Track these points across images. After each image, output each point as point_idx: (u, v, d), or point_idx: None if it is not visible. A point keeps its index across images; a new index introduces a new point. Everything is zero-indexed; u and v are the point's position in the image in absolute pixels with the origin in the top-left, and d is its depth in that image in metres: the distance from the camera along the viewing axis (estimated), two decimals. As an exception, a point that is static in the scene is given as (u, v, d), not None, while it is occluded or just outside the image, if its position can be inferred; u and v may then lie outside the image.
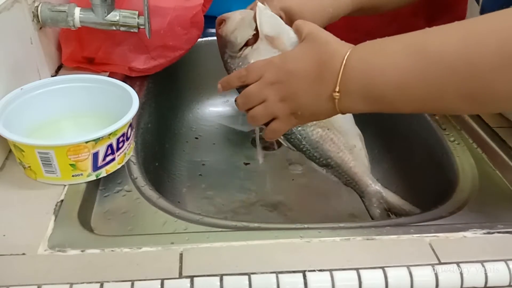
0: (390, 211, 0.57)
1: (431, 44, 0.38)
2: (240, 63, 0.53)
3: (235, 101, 0.51)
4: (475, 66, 0.36)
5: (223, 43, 0.55)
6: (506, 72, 0.35)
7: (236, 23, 0.54)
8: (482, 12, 0.57)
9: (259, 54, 0.51)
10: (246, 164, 0.78)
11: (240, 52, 0.54)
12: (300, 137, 0.55)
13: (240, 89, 0.51)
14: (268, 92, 0.46)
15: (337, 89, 0.42)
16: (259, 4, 0.54)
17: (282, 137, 0.55)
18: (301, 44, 0.46)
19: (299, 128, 0.54)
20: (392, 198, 0.56)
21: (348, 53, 0.42)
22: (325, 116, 0.47)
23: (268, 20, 0.53)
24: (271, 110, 0.47)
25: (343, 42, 0.45)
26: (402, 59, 0.39)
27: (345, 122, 0.56)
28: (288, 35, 0.51)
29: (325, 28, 0.83)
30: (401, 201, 0.56)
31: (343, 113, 0.45)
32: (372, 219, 0.58)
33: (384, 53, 0.40)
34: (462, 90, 0.37)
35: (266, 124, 0.49)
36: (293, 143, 0.56)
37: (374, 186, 0.57)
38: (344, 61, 0.41)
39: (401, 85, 0.39)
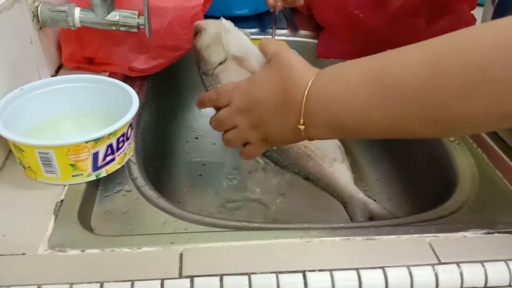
0: (373, 220, 0.56)
1: (391, 70, 0.36)
2: (213, 82, 0.54)
3: (210, 122, 0.52)
4: (437, 93, 0.34)
5: (198, 57, 0.56)
6: (470, 98, 0.33)
7: (210, 39, 0.54)
8: (495, 12, 0.56)
9: (229, 74, 0.52)
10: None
11: (212, 71, 0.54)
12: (276, 155, 0.55)
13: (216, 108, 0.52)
14: (238, 119, 0.47)
15: (301, 122, 0.42)
16: (223, 22, 0.53)
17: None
18: (266, 68, 0.46)
19: (275, 148, 0.55)
20: (375, 207, 0.55)
21: (309, 84, 0.41)
22: (295, 142, 0.48)
23: (234, 40, 0.52)
24: (243, 136, 0.48)
25: (306, 66, 0.44)
26: (361, 89, 0.38)
27: None
28: (255, 55, 0.51)
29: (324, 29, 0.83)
30: (383, 210, 0.56)
31: (311, 140, 0.45)
32: None
33: (344, 82, 0.39)
34: (427, 118, 0.35)
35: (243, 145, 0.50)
36: (271, 159, 0.56)
37: (357, 196, 0.56)
38: (306, 94, 0.41)
39: (363, 115, 0.38)
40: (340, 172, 0.56)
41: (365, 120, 0.38)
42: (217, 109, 0.51)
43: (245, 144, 0.49)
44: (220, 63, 0.52)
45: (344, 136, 0.43)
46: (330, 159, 0.56)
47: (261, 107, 0.45)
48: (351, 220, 0.57)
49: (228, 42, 0.52)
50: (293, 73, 0.43)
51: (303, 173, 0.57)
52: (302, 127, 0.42)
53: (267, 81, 0.45)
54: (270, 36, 0.71)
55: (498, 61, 0.31)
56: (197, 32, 0.56)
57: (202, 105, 0.53)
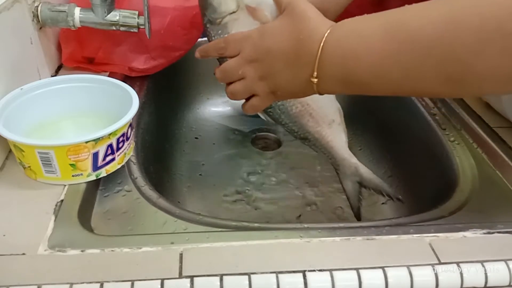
0: (362, 185, 0.58)
1: (408, 24, 0.36)
2: (220, 31, 0.51)
3: (214, 73, 0.49)
4: (454, 48, 0.34)
5: (205, 3, 0.52)
6: (486, 54, 0.33)
7: None
8: None
9: (239, 25, 0.49)
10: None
11: (220, 19, 0.51)
12: (279, 111, 0.55)
13: (220, 59, 0.50)
14: (247, 70, 0.46)
15: (314, 74, 0.41)
16: None
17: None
18: (279, 18, 0.45)
19: (279, 103, 0.54)
20: (365, 172, 0.58)
21: (325, 36, 0.40)
22: (304, 96, 0.47)
23: None
24: (251, 88, 0.47)
25: (321, 17, 0.43)
26: (378, 43, 0.37)
27: (325, 97, 0.54)
28: (269, 5, 0.48)
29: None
30: (373, 176, 0.58)
31: (321, 94, 0.44)
32: (345, 192, 0.60)
33: (361, 36, 0.39)
34: (441, 73, 0.35)
35: (247, 99, 0.49)
36: (272, 116, 0.56)
37: (349, 159, 0.58)
38: (321, 46, 0.40)
39: (377, 69, 0.38)
40: (337, 134, 0.57)
41: (380, 74, 0.38)
42: (221, 60, 0.49)
43: (250, 98, 0.48)
44: (231, 13, 0.50)
45: (356, 90, 0.41)
46: (329, 120, 0.56)
47: (272, 57, 0.44)
48: (342, 184, 0.59)
49: None
50: (308, 24, 0.42)
51: (302, 132, 0.57)
52: (315, 80, 0.41)
53: (280, 31, 0.43)
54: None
55: None
56: None
57: (206, 53, 0.51)
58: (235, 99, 0.49)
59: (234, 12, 0.49)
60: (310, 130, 0.57)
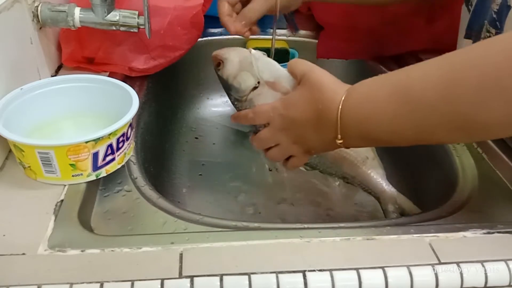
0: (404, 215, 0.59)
1: (413, 86, 0.39)
2: (248, 107, 0.55)
3: (251, 142, 0.54)
4: (457, 103, 0.37)
5: (227, 86, 0.57)
6: (486, 107, 0.36)
7: (235, 68, 0.55)
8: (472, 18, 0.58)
9: (263, 98, 0.53)
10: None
11: (245, 97, 0.55)
12: (314, 161, 0.59)
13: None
14: (280, 137, 0.51)
15: (339, 137, 0.45)
16: (253, 52, 0.55)
17: None
18: (298, 89, 0.49)
19: (313, 155, 0.58)
20: (405, 202, 0.59)
21: (341, 104, 0.44)
22: (335, 149, 0.51)
23: (264, 67, 0.54)
24: (287, 151, 0.52)
25: (335, 84, 0.46)
26: (389, 106, 0.41)
27: None
28: (286, 77, 0.52)
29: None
30: (413, 206, 0.59)
31: (348, 148, 0.48)
32: None
33: (372, 102, 0.43)
34: (450, 126, 0.38)
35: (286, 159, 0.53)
36: (310, 165, 0.60)
37: (388, 191, 0.60)
38: (339, 114, 0.44)
39: (392, 129, 0.42)
40: (372, 169, 0.60)
41: (395, 133, 0.42)
42: (253, 126, 0.55)
43: (288, 158, 0.53)
44: (253, 89, 0.54)
45: (379, 145, 0.47)
46: (363, 157, 0.59)
47: (299, 125, 0.48)
48: (385, 216, 0.60)
49: (260, 70, 0.54)
50: (324, 94, 0.46)
51: (339, 174, 0.61)
52: (340, 141, 0.45)
53: (301, 103, 0.48)
54: (271, 36, 0.71)
55: (510, 71, 0.34)
56: (218, 62, 0.57)
57: (237, 121, 0.56)
58: (275, 161, 0.55)
59: (256, 87, 0.54)
60: (346, 171, 0.60)
